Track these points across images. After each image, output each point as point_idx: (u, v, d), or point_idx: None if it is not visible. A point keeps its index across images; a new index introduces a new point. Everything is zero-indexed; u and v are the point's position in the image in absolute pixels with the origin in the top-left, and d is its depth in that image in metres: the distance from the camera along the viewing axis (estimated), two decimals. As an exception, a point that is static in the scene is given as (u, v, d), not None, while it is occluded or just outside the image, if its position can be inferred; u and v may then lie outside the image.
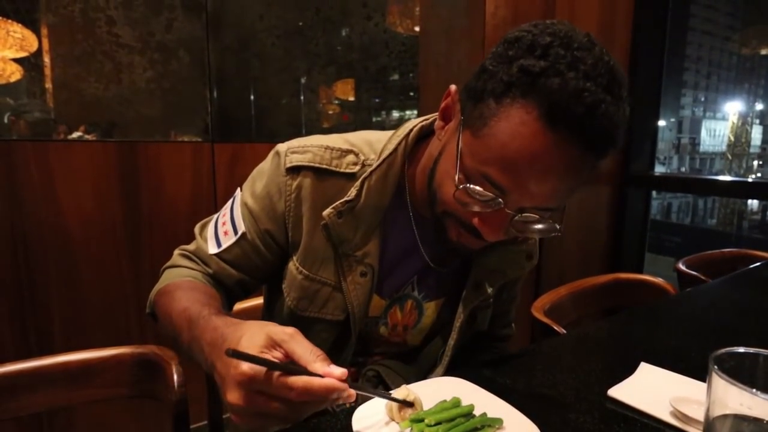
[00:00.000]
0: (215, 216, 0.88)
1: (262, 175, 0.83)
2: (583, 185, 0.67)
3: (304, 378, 0.49)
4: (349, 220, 0.78)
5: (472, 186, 0.64)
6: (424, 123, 0.82)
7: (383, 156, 0.79)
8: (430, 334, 0.96)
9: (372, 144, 0.83)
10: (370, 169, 0.78)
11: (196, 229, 0.89)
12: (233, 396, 0.49)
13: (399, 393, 0.65)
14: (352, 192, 0.77)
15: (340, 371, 0.50)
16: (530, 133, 0.59)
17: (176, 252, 0.88)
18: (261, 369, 0.48)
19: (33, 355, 0.87)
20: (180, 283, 0.79)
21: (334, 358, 0.87)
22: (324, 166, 0.79)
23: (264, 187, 0.82)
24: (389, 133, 0.84)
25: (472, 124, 0.65)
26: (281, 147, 0.81)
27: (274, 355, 0.51)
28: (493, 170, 0.63)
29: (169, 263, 0.87)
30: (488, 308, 0.93)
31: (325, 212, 0.77)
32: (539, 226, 0.68)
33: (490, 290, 0.87)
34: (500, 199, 0.64)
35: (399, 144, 0.80)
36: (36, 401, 0.86)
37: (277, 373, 0.49)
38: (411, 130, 0.81)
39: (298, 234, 0.81)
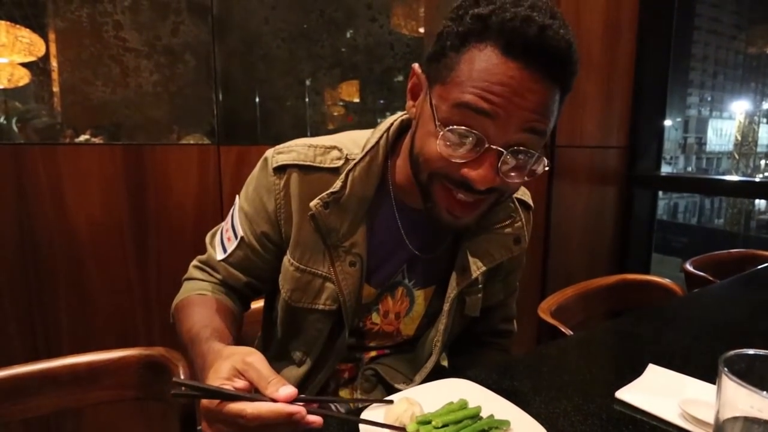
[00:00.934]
0: (221, 224, 0.93)
1: (253, 179, 0.88)
2: (556, 116, 0.69)
3: (254, 404, 0.53)
4: (335, 211, 0.81)
5: (454, 127, 0.66)
6: (404, 117, 0.85)
7: (366, 149, 0.82)
8: (423, 324, 0.97)
9: (356, 140, 0.86)
10: (353, 162, 0.81)
11: (207, 238, 0.95)
12: (203, 424, 0.57)
13: (400, 405, 0.65)
14: (337, 184, 0.80)
15: (286, 393, 0.54)
16: (493, 66, 0.63)
17: (192, 264, 0.94)
18: (214, 400, 0.54)
19: (41, 357, 0.88)
20: (193, 299, 0.86)
21: (329, 350, 0.90)
22: (308, 163, 0.83)
23: (254, 189, 0.86)
24: (372, 130, 0.88)
25: (438, 78, 0.69)
26: (268, 152, 0.86)
27: (236, 385, 0.56)
28: (470, 97, 0.65)
29: (186, 275, 0.94)
30: (478, 294, 0.94)
31: (312, 203, 0.80)
32: (526, 170, 0.70)
33: (477, 273, 0.88)
34: (483, 136, 0.65)
35: (381, 137, 0.83)
36: (44, 403, 0.86)
37: (230, 403, 0.54)
38: (392, 123, 0.85)
39: (289, 229, 0.85)
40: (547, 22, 0.61)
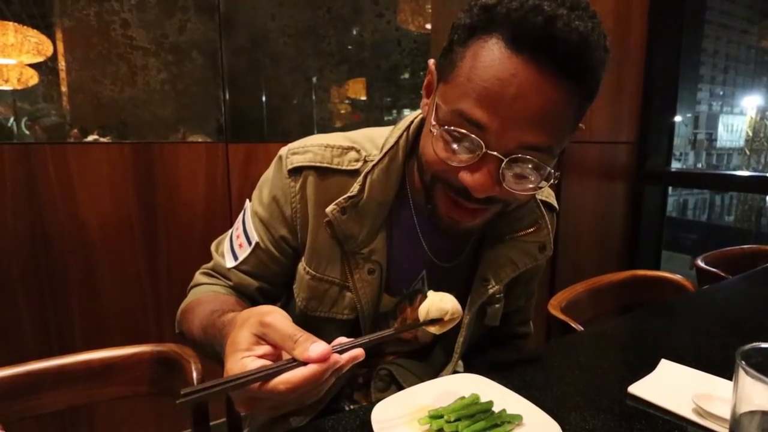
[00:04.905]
0: (229, 231, 0.89)
1: (267, 181, 0.83)
2: (571, 125, 0.65)
3: (284, 377, 0.48)
4: (353, 217, 0.77)
5: (448, 128, 0.62)
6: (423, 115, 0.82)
7: (385, 149, 0.78)
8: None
9: (374, 140, 0.82)
10: (371, 164, 0.77)
11: (212, 247, 0.90)
12: (239, 406, 0.52)
13: (432, 296, 0.66)
14: (355, 188, 0.76)
15: (318, 353, 0.48)
16: (497, 60, 0.58)
17: (197, 273, 0.90)
18: (242, 384, 0.48)
19: (54, 353, 0.88)
20: (201, 298, 0.81)
21: None
22: (325, 165, 0.78)
23: (269, 192, 0.82)
24: (391, 128, 0.84)
25: (443, 75, 0.65)
26: (282, 150, 0.81)
27: (258, 353, 0.50)
28: (466, 105, 0.60)
29: (192, 283, 0.89)
30: (498, 303, 0.89)
31: (328, 209, 0.76)
32: (532, 182, 0.64)
33: (498, 285, 0.84)
34: (480, 140, 0.60)
35: (400, 137, 0.79)
36: (58, 399, 0.87)
37: (259, 384, 0.48)
38: (411, 122, 0.80)
39: (305, 234, 0.81)
40: (558, 12, 0.55)
